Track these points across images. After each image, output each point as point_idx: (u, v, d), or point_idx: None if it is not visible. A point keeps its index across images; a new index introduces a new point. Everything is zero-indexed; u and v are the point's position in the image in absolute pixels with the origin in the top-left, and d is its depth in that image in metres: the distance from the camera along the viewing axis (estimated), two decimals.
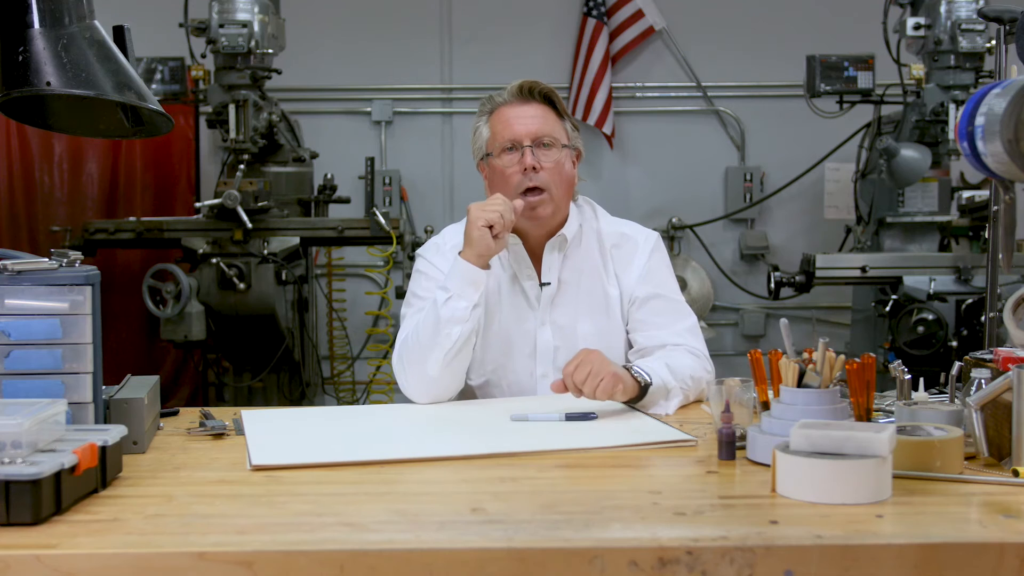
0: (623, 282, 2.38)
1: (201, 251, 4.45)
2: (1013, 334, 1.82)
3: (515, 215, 2.22)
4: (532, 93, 2.35)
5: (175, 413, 2.11)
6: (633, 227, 2.46)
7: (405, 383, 2.24)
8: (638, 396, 2.07)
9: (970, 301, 4.27)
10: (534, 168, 2.28)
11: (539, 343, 2.34)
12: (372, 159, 5.18)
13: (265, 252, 4.46)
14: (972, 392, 1.72)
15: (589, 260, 2.39)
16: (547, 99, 2.36)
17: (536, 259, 2.37)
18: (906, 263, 4.49)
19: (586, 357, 2.03)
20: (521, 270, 2.36)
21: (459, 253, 2.22)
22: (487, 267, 2.21)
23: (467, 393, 2.36)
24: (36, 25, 1.83)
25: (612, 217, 2.48)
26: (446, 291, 2.20)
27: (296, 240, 4.55)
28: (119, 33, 1.95)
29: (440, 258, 2.36)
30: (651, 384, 2.07)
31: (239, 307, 4.45)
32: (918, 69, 4.52)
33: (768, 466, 1.52)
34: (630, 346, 2.37)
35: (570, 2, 5.74)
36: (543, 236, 2.36)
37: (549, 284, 2.35)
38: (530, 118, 2.32)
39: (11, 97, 1.85)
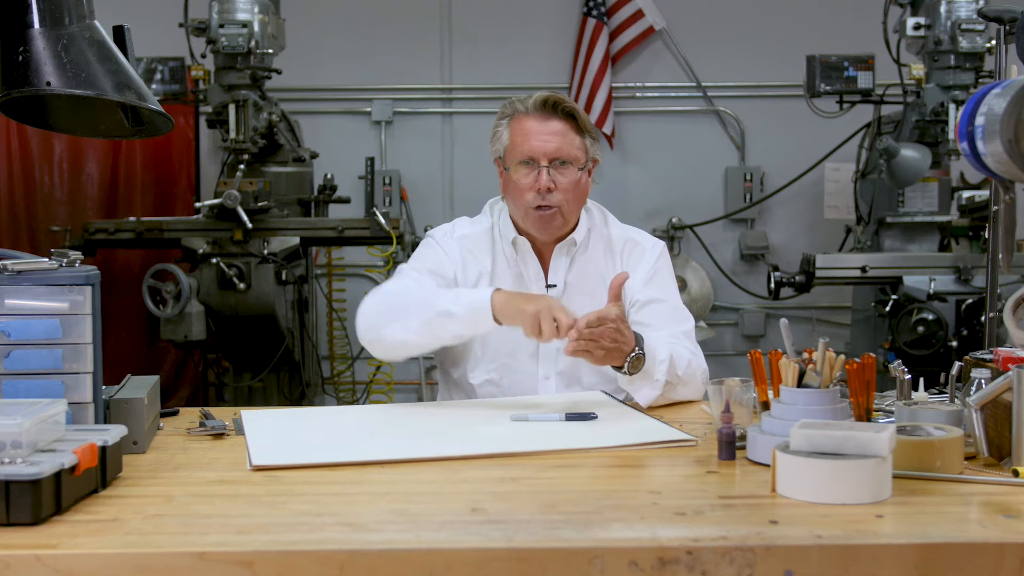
0: (627, 285, 2.38)
1: (201, 251, 4.45)
2: (1013, 334, 1.82)
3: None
4: (555, 109, 2.32)
5: (175, 413, 2.11)
6: (642, 235, 2.49)
7: (360, 322, 2.26)
8: (619, 368, 2.11)
9: (970, 301, 4.27)
10: (548, 189, 2.29)
11: (543, 344, 2.34)
12: (372, 159, 5.18)
13: (265, 252, 4.46)
14: (972, 392, 1.72)
15: (596, 264, 2.41)
16: (569, 115, 2.34)
17: (544, 261, 2.40)
18: (906, 263, 4.49)
19: (625, 335, 2.06)
20: (528, 271, 2.38)
21: (494, 295, 2.11)
22: (501, 324, 2.14)
23: (468, 392, 2.37)
24: (36, 25, 1.83)
25: (621, 224, 2.50)
26: (454, 304, 2.14)
27: (296, 240, 4.55)
28: (119, 33, 1.95)
29: (447, 241, 2.41)
30: (630, 375, 2.11)
31: (239, 307, 4.45)
32: (918, 69, 4.52)
33: (768, 466, 1.52)
34: None
35: (570, 2, 5.74)
36: (552, 239, 2.38)
37: (556, 286, 2.36)
38: (550, 135, 2.31)
39: (11, 97, 1.85)
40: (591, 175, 2.40)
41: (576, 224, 2.40)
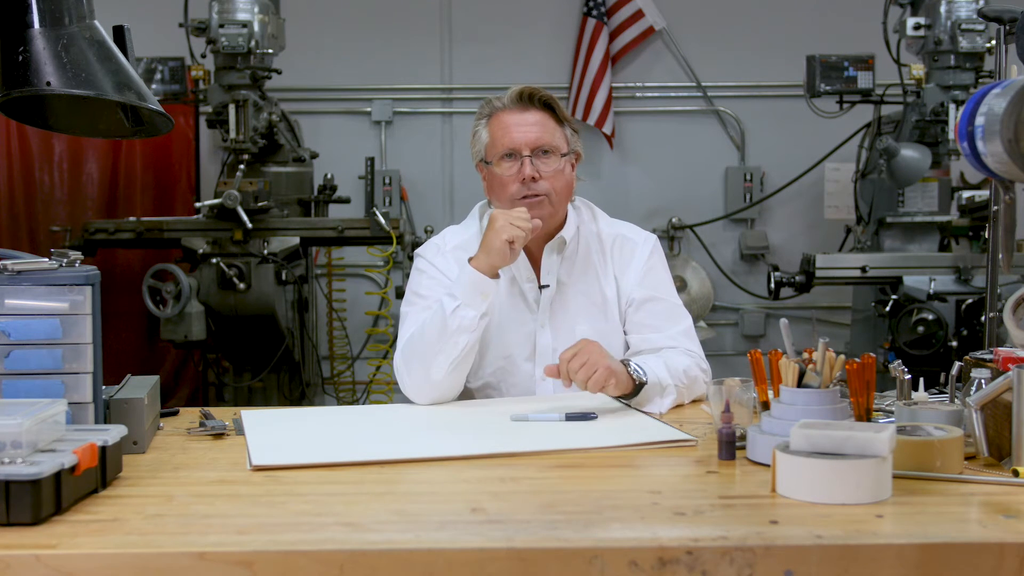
0: (621, 283, 2.38)
1: (201, 251, 4.45)
2: (1013, 334, 1.82)
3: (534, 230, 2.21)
4: (532, 100, 2.32)
5: (175, 413, 2.11)
6: (632, 229, 2.46)
7: (406, 385, 2.24)
8: (632, 392, 2.08)
9: (970, 301, 4.27)
10: (533, 178, 2.28)
11: (539, 345, 2.34)
12: (372, 159, 5.18)
13: (265, 252, 4.46)
14: (972, 392, 1.72)
15: (587, 262, 2.39)
16: (546, 105, 2.33)
17: (534, 261, 2.37)
18: (906, 263, 4.49)
19: (584, 347, 2.05)
20: (520, 272, 2.36)
21: (470, 260, 2.19)
22: (497, 277, 2.19)
23: (467, 396, 2.35)
24: (36, 25, 1.83)
25: (611, 219, 2.48)
26: (454, 299, 2.17)
27: (296, 240, 4.56)
28: (119, 33, 1.95)
29: (441, 259, 2.37)
30: (646, 382, 2.09)
31: (239, 307, 4.45)
32: (918, 69, 4.52)
33: (768, 466, 1.52)
34: (627, 347, 2.37)
35: (570, 2, 5.74)
36: (541, 238, 2.35)
37: (548, 286, 2.35)
38: (529, 126, 2.30)
39: (11, 97, 1.85)
40: (575, 168, 2.39)
41: (564, 221, 2.38)
